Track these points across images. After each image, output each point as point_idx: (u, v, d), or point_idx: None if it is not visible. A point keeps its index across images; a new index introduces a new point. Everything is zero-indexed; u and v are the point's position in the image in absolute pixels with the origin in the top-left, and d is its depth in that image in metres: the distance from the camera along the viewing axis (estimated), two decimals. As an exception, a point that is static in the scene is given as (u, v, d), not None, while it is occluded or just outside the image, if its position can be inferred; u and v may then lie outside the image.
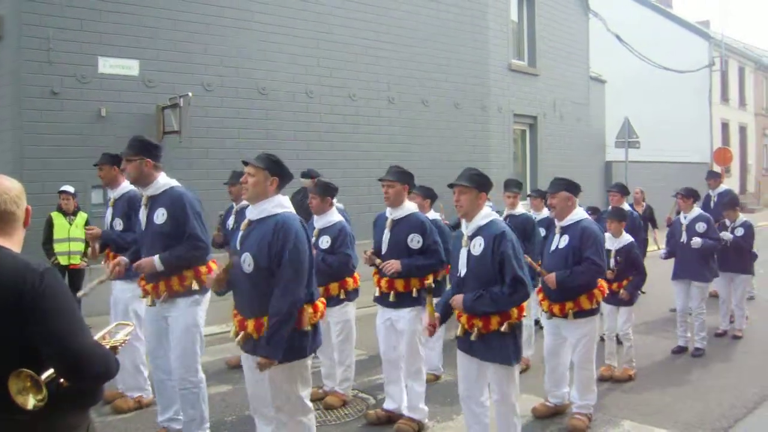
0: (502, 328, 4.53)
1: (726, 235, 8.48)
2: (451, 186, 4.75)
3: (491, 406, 4.84)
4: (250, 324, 4.15)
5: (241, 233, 4.30)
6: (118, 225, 6.15)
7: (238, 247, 4.25)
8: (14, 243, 2.61)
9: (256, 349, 4.16)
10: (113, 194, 6.33)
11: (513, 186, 8.01)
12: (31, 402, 2.32)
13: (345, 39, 13.35)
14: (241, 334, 4.23)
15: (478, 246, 4.57)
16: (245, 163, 4.27)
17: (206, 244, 5.13)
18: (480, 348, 4.61)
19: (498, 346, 4.56)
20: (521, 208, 7.98)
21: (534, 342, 7.75)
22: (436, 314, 4.79)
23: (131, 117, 10.51)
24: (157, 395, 5.52)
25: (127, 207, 6.14)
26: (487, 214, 4.68)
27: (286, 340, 4.02)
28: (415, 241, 5.62)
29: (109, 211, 6.32)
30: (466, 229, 4.70)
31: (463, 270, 4.67)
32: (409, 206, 5.79)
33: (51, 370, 2.39)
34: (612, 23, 21.77)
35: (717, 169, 16.97)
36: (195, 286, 5.06)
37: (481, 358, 4.66)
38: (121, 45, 10.45)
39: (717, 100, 30.76)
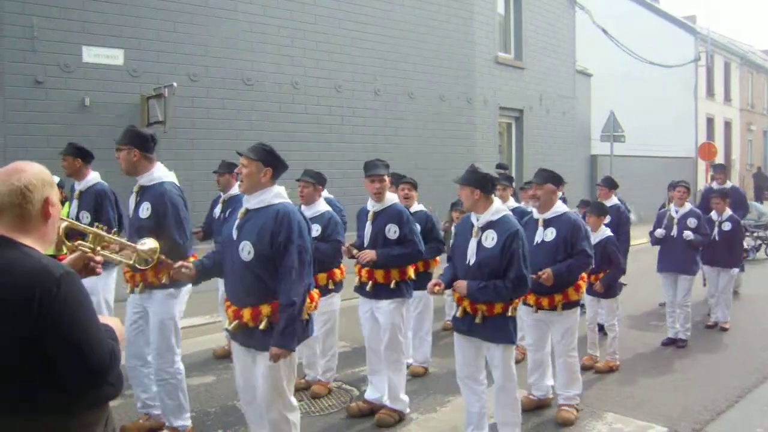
0: (509, 313, 4.80)
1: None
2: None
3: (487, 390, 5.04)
4: (246, 313, 4.11)
5: (237, 221, 4.27)
6: (85, 218, 6.12)
7: (234, 236, 4.21)
8: (35, 240, 2.42)
9: (250, 340, 4.16)
10: (79, 186, 6.31)
11: (502, 178, 7.60)
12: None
13: (331, 30, 13.30)
14: (235, 323, 4.17)
15: (490, 239, 4.78)
16: (239, 154, 4.27)
17: (181, 245, 5.00)
18: (482, 329, 4.84)
19: (500, 327, 4.82)
20: (513, 201, 7.67)
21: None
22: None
23: (115, 107, 10.44)
24: (131, 381, 5.51)
25: (95, 200, 6.16)
26: (498, 209, 4.86)
27: (298, 329, 4.05)
28: (392, 231, 5.66)
29: (75, 203, 6.27)
30: (477, 221, 4.88)
31: (472, 259, 4.86)
32: (390, 197, 5.81)
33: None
34: (598, 17, 21.81)
35: (701, 164, 16.97)
36: (166, 280, 5.02)
37: (484, 339, 4.88)
38: (106, 34, 10.36)
39: (702, 95, 30.96)
